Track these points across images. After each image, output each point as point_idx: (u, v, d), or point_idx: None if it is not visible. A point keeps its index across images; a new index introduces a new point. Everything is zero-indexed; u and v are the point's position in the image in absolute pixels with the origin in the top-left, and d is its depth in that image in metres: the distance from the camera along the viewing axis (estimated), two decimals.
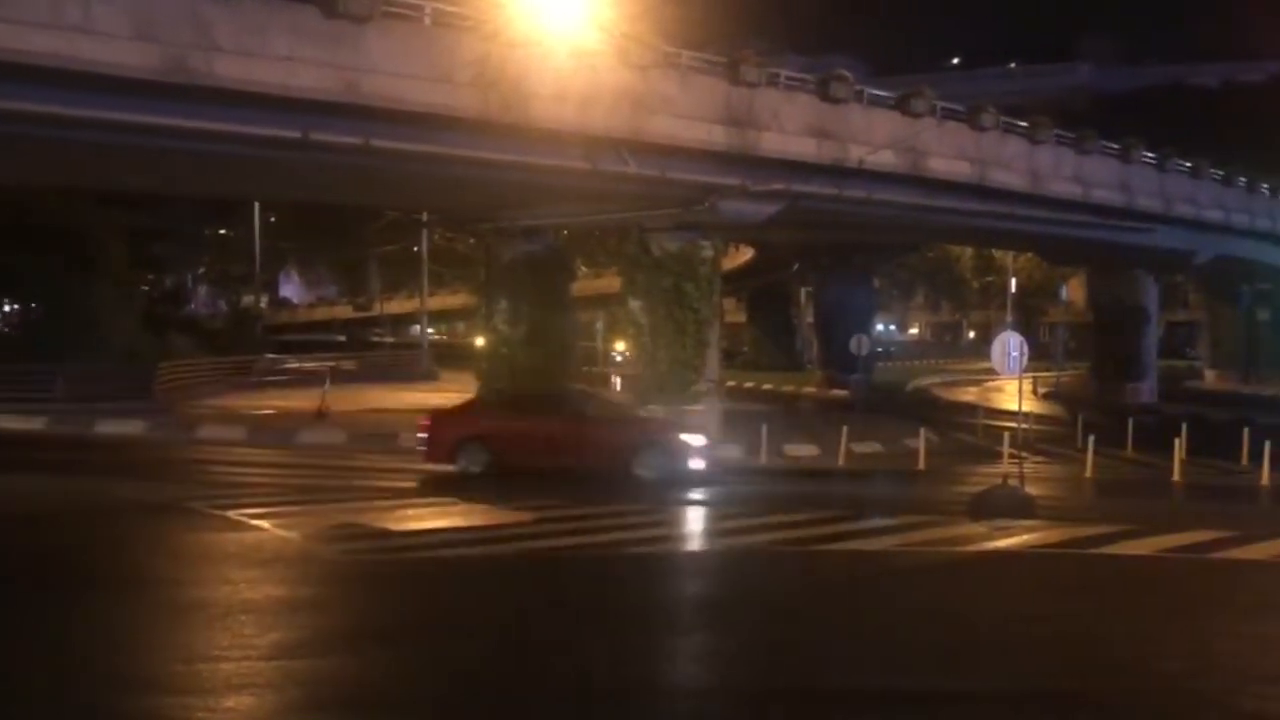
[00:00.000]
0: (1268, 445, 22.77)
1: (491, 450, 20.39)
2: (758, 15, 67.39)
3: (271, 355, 45.29)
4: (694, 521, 17.91)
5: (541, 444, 20.32)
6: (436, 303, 65.85)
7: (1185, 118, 68.19)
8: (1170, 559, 14.47)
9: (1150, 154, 38.98)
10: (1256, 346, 58.56)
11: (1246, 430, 25.33)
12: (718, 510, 18.45)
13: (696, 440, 21.12)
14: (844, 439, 24.52)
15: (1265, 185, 46.96)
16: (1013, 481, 20.88)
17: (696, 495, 19.35)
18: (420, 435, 21.17)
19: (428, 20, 21.25)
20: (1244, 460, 24.61)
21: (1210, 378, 56.81)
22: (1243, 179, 44.92)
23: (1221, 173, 43.30)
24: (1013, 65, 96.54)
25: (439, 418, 21.73)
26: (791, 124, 26.61)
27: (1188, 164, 41.07)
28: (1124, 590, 12.92)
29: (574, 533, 14.75)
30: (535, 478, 19.30)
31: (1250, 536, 15.51)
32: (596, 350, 40.74)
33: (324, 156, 21.52)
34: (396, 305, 75.37)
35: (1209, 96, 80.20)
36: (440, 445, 20.73)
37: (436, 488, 19.08)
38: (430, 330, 62.56)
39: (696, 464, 20.74)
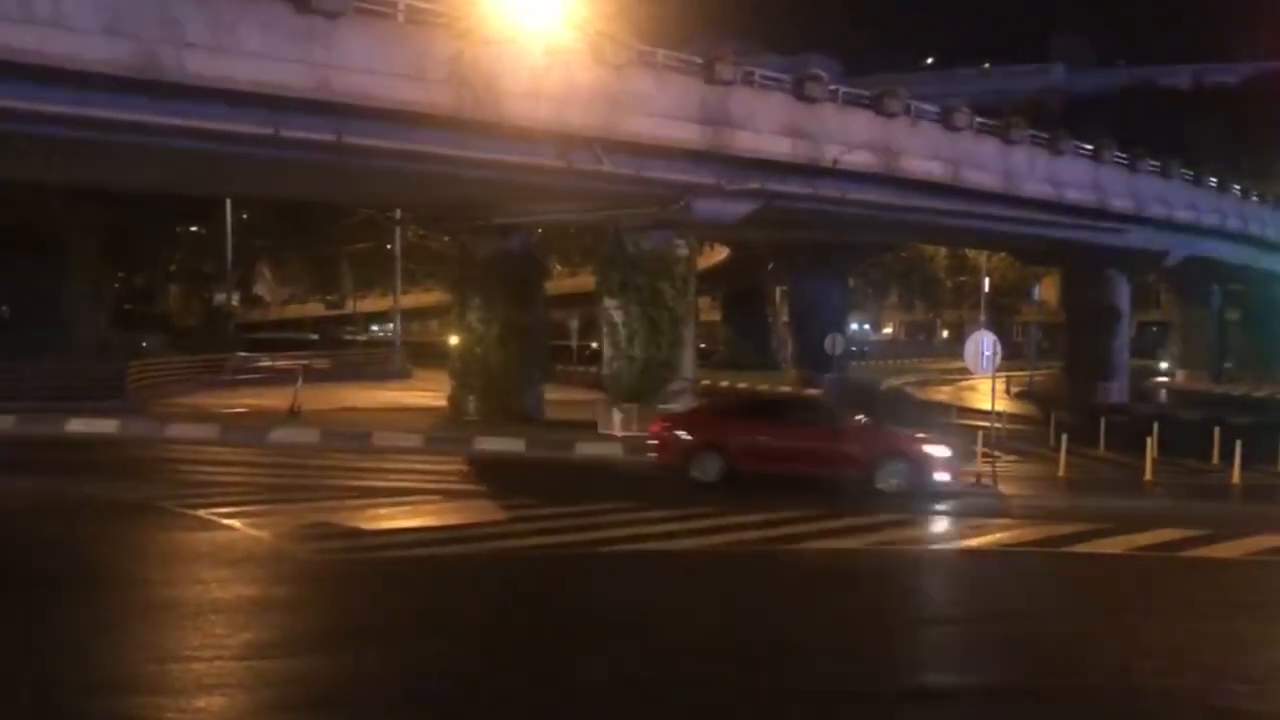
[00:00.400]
0: (1238, 445, 22.95)
1: (726, 458, 19.82)
2: (733, 14, 67.63)
3: (243, 354, 44.97)
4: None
5: (780, 453, 19.74)
6: (410, 301, 65.63)
7: (1157, 119, 68.69)
8: (1141, 557, 14.57)
9: (1122, 155, 39.22)
10: (1226, 346, 59.18)
11: (1217, 430, 25.51)
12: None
13: (941, 452, 19.91)
14: None
15: (1236, 186, 47.31)
16: (986, 480, 21.01)
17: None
18: (650, 442, 20.96)
19: (401, 17, 21.15)
20: (1215, 459, 24.77)
21: (1181, 377, 57.27)
22: (1214, 180, 45.22)
23: (1193, 174, 43.58)
24: (987, 66, 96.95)
25: (672, 423, 21.20)
26: (766, 123, 26.62)
27: (1159, 165, 41.32)
28: (1096, 588, 13.00)
29: (541, 533, 14.71)
30: (773, 488, 18.90)
31: (1220, 535, 15.64)
32: (572, 349, 40.64)
33: (296, 153, 21.37)
34: (370, 303, 75.10)
35: (1181, 98, 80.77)
36: (673, 452, 20.33)
37: (665, 495, 18.39)
38: (375, 329, 62.20)
39: (942, 477, 19.58)
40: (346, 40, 20.26)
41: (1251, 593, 12.91)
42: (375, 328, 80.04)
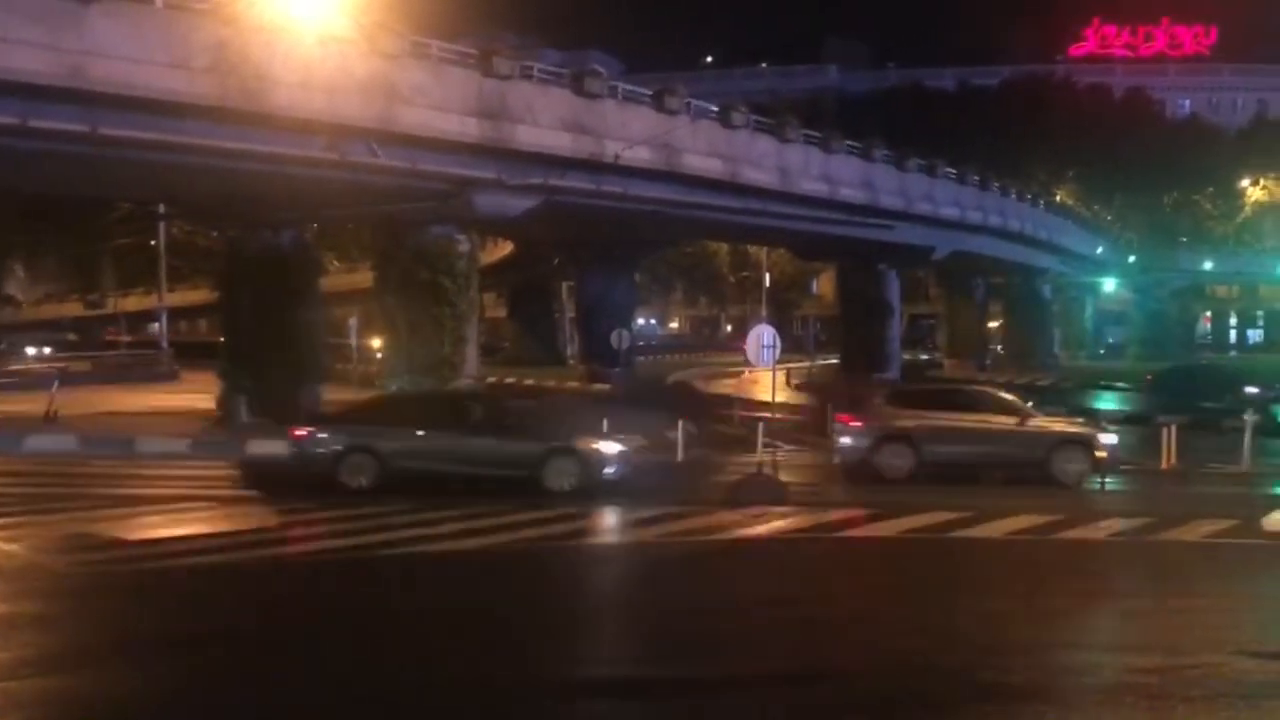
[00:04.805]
0: None
1: (915, 448, 19.53)
2: (512, 9, 67.18)
3: None
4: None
5: (966, 442, 19.51)
6: (177, 298, 62.98)
7: (925, 119, 71.75)
8: (912, 539, 15.11)
9: (891, 154, 40.79)
10: (987, 337, 62.44)
11: None
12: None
13: (1110, 440, 20.04)
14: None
15: (997, 184, 49.85)
16: (767, 470, 21.41)
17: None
18: (839, 436, 20.48)
19: (159, 2, 20.18)
20: None
21: (949, 367, 60.02)
22: (976, 178, 47.51)
23: (957, 172, 45.69)
24: (764, 65, 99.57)
25: (853, 413, 20.86)
26: (546, 118, 26.53)
27: (926, 164, 43.16)
28: (871, 571, 13.41)
29: (317, 537, 14.23)
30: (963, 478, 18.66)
31: (984, 516, 16.32)
32: (350, 348, 39.57)
33: (47, 145, 20.22)
34: (133, 302, 71.59)
35: (946, 99, 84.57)
36: (857, 443, 19.94)
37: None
38: (153, 328, 59.48)
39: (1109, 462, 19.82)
40: (100, 26, 19.25)
41: (1011, 570, 13.49)
42: (154, 327, 76.67)
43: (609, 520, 16.70)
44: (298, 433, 19.32)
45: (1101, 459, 19.83)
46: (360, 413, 20.51)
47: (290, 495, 17.67)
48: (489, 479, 18.49)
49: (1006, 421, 20.13)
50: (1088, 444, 19.95)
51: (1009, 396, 22.42)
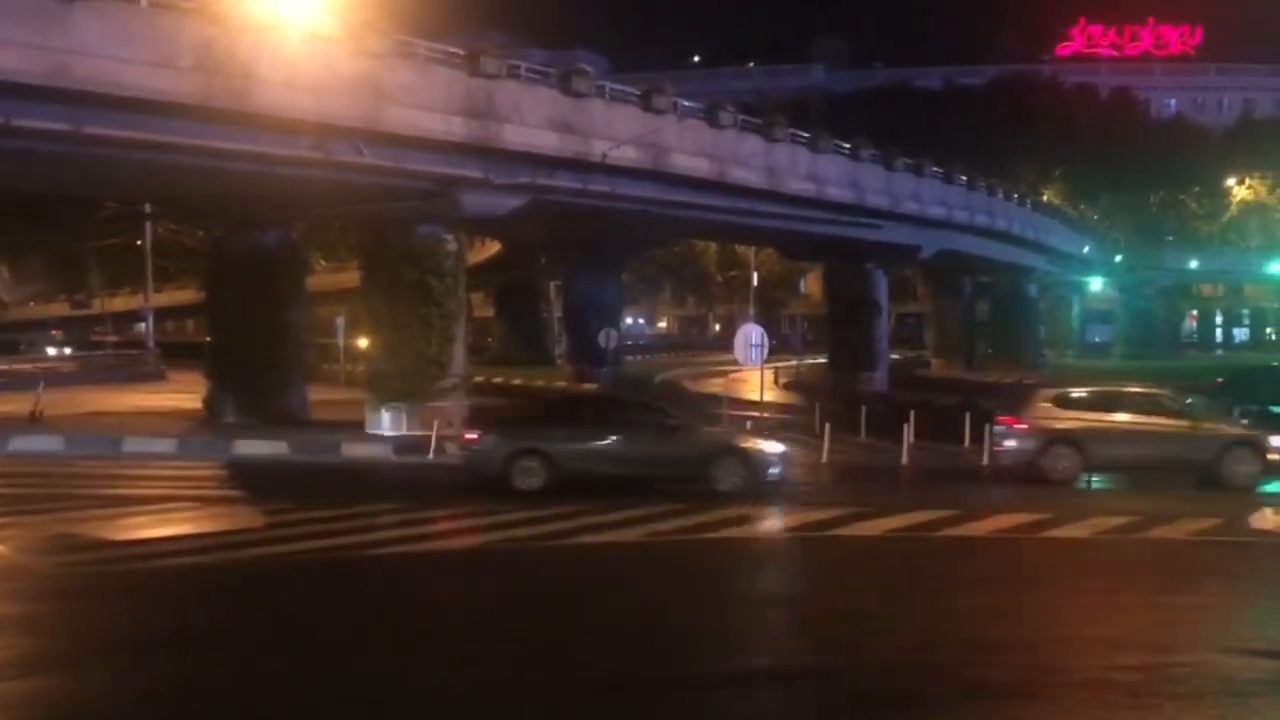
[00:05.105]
0: (987, 429, 24.10)
1: (1081, 451, 19.29)
2: (500, 8, 67.23)
3: None
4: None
5: (1133, 444, 19.27)
6: (164, 298, 62.79)
7: (911, 118, 71.73)
8: (899, 538, 15.13)
9: (878, 153, 40.81)
10: (974, 336, 62.49)
11: (968, 415, 26.73)
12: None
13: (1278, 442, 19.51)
14: None
15: (983, 183, 49.92)
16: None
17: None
18: (1004, 439, 20.31)
19: (144, 1, 20.09)
20: (965, 443, 25.96)
21: (936, 366, 60.12)
22: (963, 177, 47.57)
23: (943, 172, 45.73)
24: (751, 65, 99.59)
25: (1017, 415, 20.68)
26: (533, 117, 26.47)
27: (913, 163, 43.19)
28: (859, 570, 13.39)
29: (303, 538, 14.19)
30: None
31: (970, 515, 16.37)
32: (337, 347, 39.45)
33: (31, 144, 20.10)
34: (120, 302, 71.31)
35: (933, 98, 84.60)
36: (1023, 445, 19.76)
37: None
38: (140, 328, 59.23)
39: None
40: (86, 24, 19.12)
41: (992, 568, 13.51)
42: (141, 327, 76.43)
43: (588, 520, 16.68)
44: (468, 436, 19.83)
45: (1274, 461, 19.44)
46: (530, 416, 20.99)
47: (464, 498, 17.85)
48: (656, 480, 18.67)
49: (1179, 423, 19.80)
50: (1259, 445, 19.61)
51: (1177, 398, 21.97)
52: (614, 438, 19.01)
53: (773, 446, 19.59)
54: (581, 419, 20.05)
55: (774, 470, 19.03)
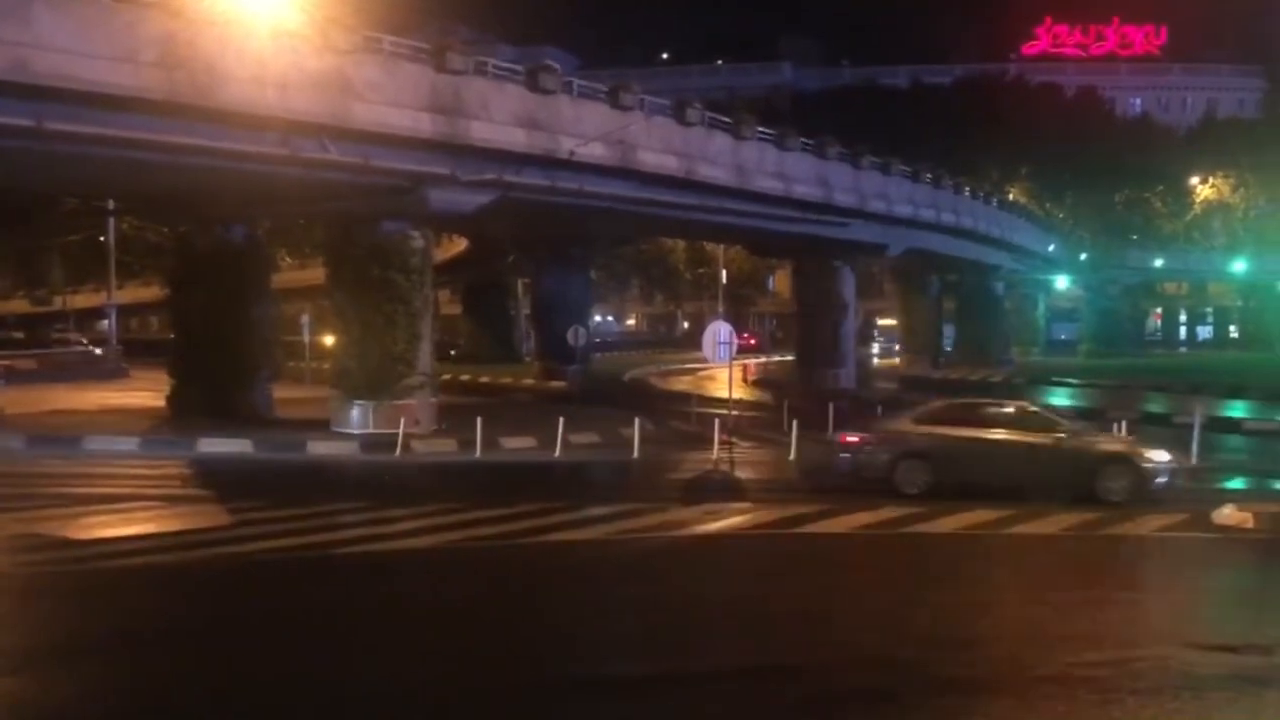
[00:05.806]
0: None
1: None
2: (465, 3, 67.00)
3: None
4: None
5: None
6: (127, 295, 62.22)
7: (879, 117, 71.96)
8: (865, 535, 15.20)
9: (846, 151, 40.90)
10: (941, 333, 62.81)
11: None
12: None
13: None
14: (561, 430, 24.49)
15: (950, 182, 50.16)
16: (723, 466, 21.47)
17: None
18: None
19: None
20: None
21: (903, 363, 60.38)
22: (930, 176, 47.76)
23: (910, 170, 45.90)
24: (720, 63, 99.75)
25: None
26: (501, 114, 26.35)
27: (880, 161, 43.33)
28: (826, 567, 13.45)
29: (267, 536, 14.09)
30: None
31: (934, 512, 16.43)
32: (303, 344, 39.17)
33: None
34: (82, 299, 70.51)
35: (900, 97, 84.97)
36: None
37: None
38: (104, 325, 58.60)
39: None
40: (45, 18, 18.85)
41: (959, 565, 13.60)
42: (104, 324, 75.73)
43: (558, 518, 16.62)
44: (850, 439, 19.46)
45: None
46: (917, 419, 19.87)
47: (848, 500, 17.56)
48: (1040, 486, 17.99)
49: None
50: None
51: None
52: (1004, 446, 18.53)
53: (1159, 455, 18.84)
54: (971, 423, 19.19)
55: (1161, 480, 18.42)
